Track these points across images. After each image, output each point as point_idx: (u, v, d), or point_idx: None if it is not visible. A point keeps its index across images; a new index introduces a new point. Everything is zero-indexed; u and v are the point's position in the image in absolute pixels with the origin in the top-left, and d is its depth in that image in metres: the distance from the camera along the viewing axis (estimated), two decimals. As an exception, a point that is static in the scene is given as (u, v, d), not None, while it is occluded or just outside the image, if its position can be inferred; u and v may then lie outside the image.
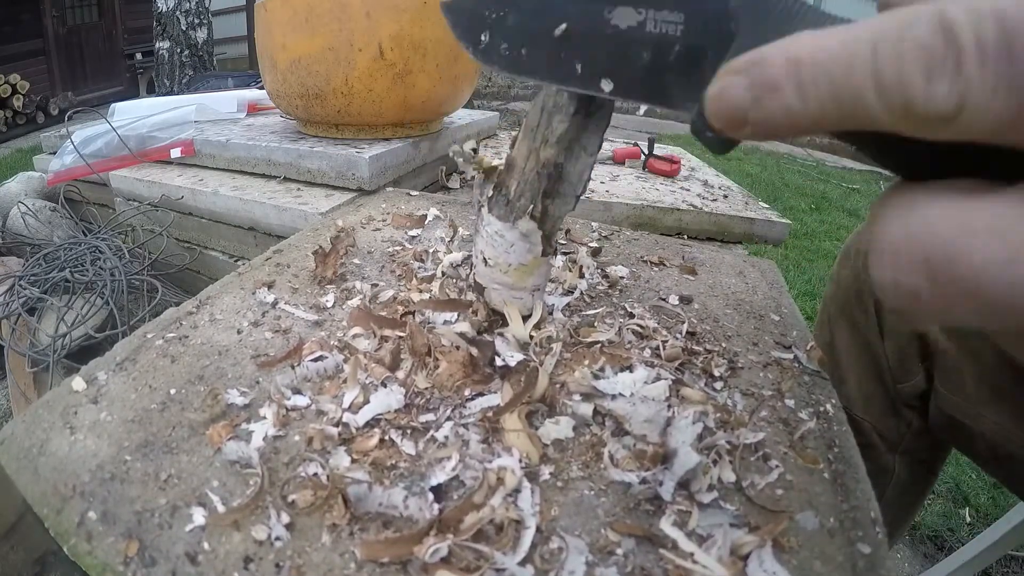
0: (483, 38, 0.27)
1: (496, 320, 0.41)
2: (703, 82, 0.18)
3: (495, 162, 0.39)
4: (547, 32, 0.24)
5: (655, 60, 0.22)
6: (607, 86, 0.23)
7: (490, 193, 0.38)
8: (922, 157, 0.14)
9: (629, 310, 0.47)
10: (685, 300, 0.50)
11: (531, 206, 0.35)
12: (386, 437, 0.33)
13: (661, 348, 0.41)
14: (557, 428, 0.33)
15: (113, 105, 1.25)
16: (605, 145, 1.14)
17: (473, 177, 0.42)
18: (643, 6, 0.22)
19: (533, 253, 0.37)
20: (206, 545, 0.27)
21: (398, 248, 0.58)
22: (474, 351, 0.37)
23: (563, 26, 0.24)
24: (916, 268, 0.12)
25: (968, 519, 1.12)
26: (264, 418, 0.34)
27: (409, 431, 0.33)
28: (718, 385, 0.39)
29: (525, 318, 0.41)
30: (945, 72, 0.11)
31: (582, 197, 0.37)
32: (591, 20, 0.23)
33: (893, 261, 0.13)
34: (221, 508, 0.28)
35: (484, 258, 0.39)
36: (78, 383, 0.36)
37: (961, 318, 0.12)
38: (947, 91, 0.11)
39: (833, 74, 0.13)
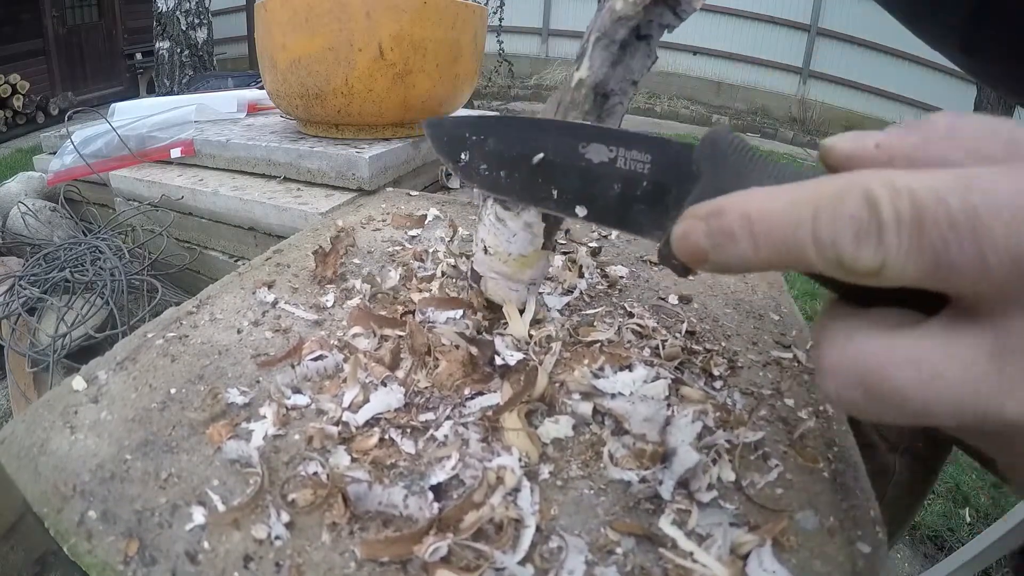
0: (463, 157, 0.29)
1: (495, 319, 0.41)
2: (667, 214, 0.21)
3: None
4: (525, 159, 0.26)
5: (625, 192, 0.24)
6: (581, 212, 0.26)
7: None
8: (858, 289, 0.16)
9: (629, 309, 0.47)
10: (684, 299, 0.50)
11: None
12: (386, 436, 0.33)
13: (660, 347, 0.41)
14: (557, 427, 0.33)
15: (113, 105, 1.25)
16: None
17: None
18: (614, 144, 0.24)
19: (534, 245, 0.37)
20: (206, 544, 0.27)
21: (398, 248, 0.58)
22: (474, 350, 0.37)
23: (540, 155, 0.25)
24: (853, 386, 0.16)
25: (968, 519, 1.12)
26: (264, 417, 0.34)
27: (409, 430, 0.33)
28: (717, 384, 0.39)
29: (520, 311, 0.41)
30: (870, 239, 0.14)
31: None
32: (567, 153, 0.25)
33: (835, 380, 0.16)
34: (221, 507, 0.28)
35: (484, 246, 0.39)
36: (78, 383, 0.37)
37: (893, 419, 0.15)
38: (872, 254, 0.14)
39: (780, 231, 0.16)
